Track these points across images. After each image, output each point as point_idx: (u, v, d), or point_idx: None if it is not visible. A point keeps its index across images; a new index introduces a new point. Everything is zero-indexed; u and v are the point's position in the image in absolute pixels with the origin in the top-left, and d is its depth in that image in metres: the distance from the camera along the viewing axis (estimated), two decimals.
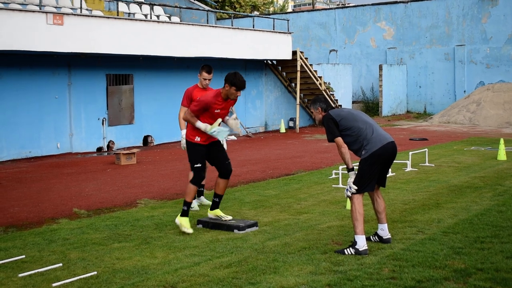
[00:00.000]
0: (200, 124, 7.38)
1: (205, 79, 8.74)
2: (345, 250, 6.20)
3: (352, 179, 6.34)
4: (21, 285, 5.44)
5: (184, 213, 7.46)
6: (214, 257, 6.19)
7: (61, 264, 6.04)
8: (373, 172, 6.35)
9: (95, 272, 5.73)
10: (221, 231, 7.38)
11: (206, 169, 7.91)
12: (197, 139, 7.51)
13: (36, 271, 5.81)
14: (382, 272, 5.55)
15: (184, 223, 7.37)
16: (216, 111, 7.39)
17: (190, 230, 7.32)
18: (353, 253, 6.15)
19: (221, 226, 7.45)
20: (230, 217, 7.72)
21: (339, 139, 6.35)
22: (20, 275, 5.70)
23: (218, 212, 7.75)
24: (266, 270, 5.70)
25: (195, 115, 7.40)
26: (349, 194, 6.35)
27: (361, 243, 6.18)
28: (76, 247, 6.75)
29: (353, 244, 6.22)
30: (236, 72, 7.31)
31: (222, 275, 5.58)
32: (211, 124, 7.40)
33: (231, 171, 7.73)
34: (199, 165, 7.50)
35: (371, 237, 6.68)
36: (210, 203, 8.98)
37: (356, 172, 6.38)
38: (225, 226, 7.42)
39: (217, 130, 7.38)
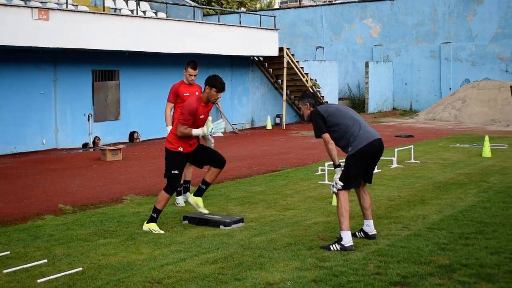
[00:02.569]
0: (196, 131, 7.27)
1: (190, 75, 8.74)
2: (331, 246, 6.22)
3: (339, 176, 6.36)
4: (5, 281, 5.40)
5: (152, 220, 7.32)
6: (200, 253, 6.19)
7: (46, 260, 6.01)
8: (359, 168, 6.37)
9: (81, 268, 5.70)
10: (207, 227, 7.37)
11: (181, 177, 7.68)
12: (180, 149, 7.36)
13: (21, 267, 5.78)
14: (368, 268, 5.58)
15: (152, 227, 7.25)
16: (200, 116, 7.34)
17: (161, 231, 7.18)
18: (338, 249, 6.17)
19: (207, 222, 7.44)
20: (206, 211, 7.59)
21: (327, 135, 6.36)
22: (5, 271, 5.66)
23: (199, 200, 7.59)
24: (252, 266, 5.71)
25: (187, 125, 7.25)
26: (335, 190, 6.37)
27: (347, 239, 6.20)
28: (61, 243, 6.72)
29: (339, 240, 6.24)
30: (216, 75, 7.31)
31: (208, 271, 5.58)
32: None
33: (225, 161, 7.60)
34: (176, 172, 7.34)
35: (356, 233, 6.70)
36: None
37: (343, 168, 6.40)
38: (211, 222, 7.41)
39: (213, 127, 7.38)
